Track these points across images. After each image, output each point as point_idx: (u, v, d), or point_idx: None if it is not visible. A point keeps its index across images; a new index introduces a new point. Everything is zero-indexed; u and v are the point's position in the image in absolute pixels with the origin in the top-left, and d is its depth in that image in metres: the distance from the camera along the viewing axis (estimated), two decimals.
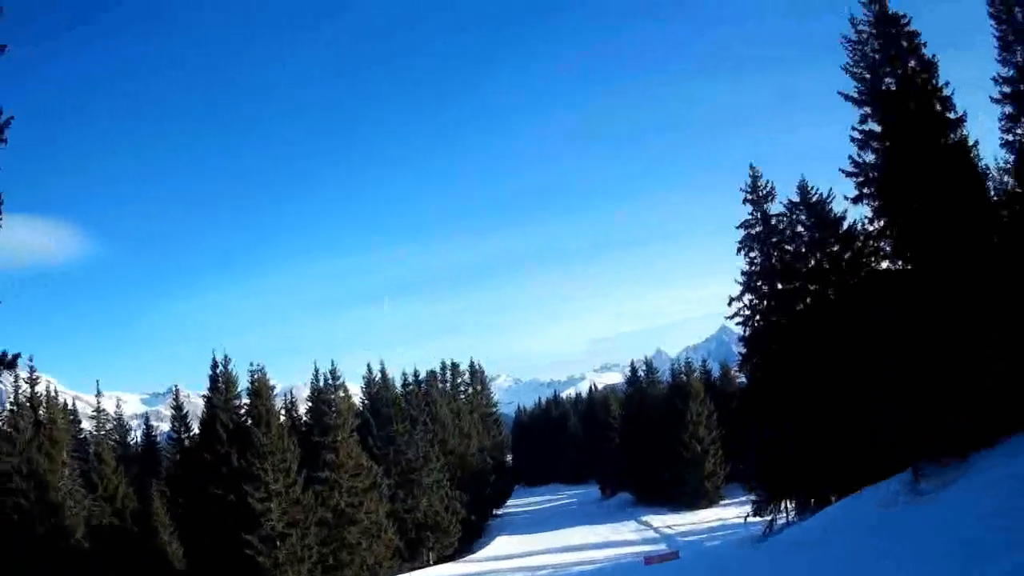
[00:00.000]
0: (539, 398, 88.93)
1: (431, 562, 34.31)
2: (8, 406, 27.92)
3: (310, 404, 36.90)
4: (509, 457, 65.08)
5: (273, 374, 31.06)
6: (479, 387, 61.03)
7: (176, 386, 36.21)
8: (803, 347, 21.57)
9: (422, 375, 52.31)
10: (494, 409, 61.76)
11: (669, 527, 35.91)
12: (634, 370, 51.83)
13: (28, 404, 28.28)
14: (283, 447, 29.74)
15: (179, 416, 33.77)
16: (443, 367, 58.83)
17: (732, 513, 36.49)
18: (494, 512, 51.05)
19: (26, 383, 28.75)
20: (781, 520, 22.03)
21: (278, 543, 28.29)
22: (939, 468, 14.29)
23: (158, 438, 42.62)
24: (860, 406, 19.06)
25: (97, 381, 39.46)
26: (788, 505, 22.32)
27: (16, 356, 9.77)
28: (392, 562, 31.48)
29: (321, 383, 35.97)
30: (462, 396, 57.30)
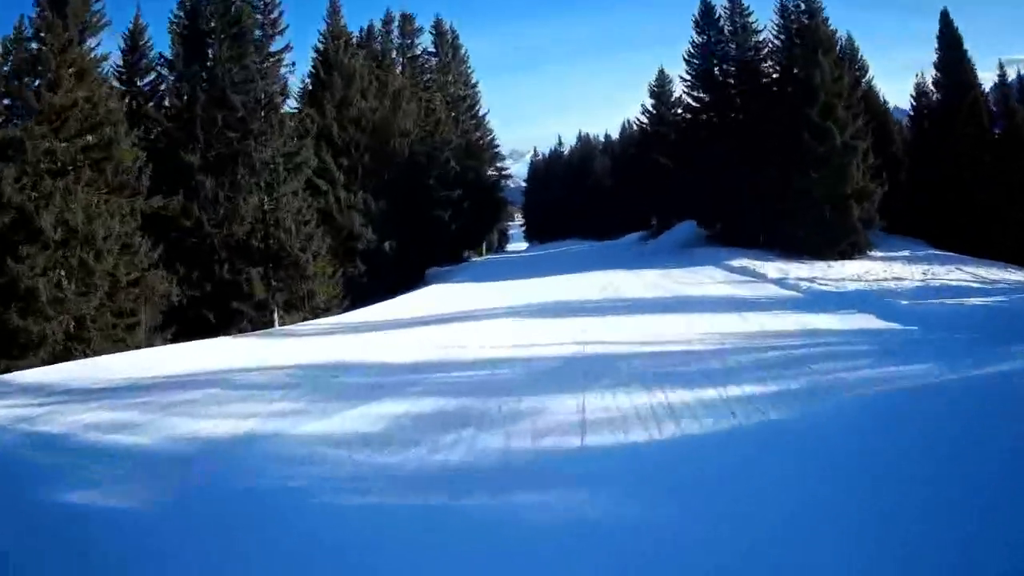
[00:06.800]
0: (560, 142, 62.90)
1: (279, 320, 14.97)
2: None
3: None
4: (500, 179, 42.21)
5: None
6: (448, 57, 38.04)
7: None
8: None
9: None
10: (473, 91, 38.84)
11: (796, 279, 16.65)
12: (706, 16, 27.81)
13: None
14: None
15: None
16: (387, 19, 35.04)
17: (906, 272, 17.08)
18: (464, 256, 31.51)
19: None
20: None
21: None
22: None
23: None
24: None
25: None
26: None
27: None
28: (152, 336, 12.46)
29: None
30: (418, 64, 35.37)
